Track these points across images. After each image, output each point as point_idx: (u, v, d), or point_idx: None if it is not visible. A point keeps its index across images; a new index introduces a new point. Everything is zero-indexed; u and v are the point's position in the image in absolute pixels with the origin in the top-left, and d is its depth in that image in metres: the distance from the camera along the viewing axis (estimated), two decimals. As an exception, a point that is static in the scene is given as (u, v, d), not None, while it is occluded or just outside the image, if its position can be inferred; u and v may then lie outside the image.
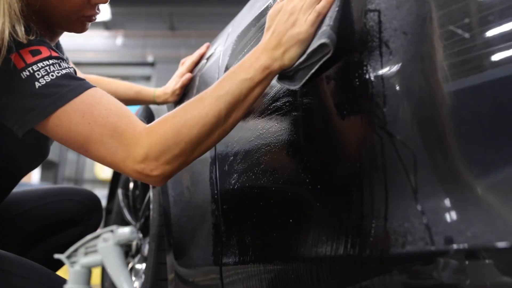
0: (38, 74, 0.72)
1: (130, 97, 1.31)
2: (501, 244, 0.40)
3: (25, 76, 0.72)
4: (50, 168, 11.00)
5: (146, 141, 0.69)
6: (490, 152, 0.43)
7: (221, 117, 0.70)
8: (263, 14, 0.90)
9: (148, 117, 1.46)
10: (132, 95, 1.30)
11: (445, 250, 0.44)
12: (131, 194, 1.58)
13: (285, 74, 0.71)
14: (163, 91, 1.28)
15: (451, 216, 0.45)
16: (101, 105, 0.73)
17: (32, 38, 0.75)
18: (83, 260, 0.55)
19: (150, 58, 9.28)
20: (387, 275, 0.51)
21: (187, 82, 1.26)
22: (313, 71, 0.66)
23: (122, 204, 1.59)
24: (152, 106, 1.45)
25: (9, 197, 1.10)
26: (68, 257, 0.57)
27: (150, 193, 1.28)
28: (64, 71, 0.75)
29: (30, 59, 0.73)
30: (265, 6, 0.90)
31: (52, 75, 0.73)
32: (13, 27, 0.72)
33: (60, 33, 0.92)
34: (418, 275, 0.48)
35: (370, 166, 0.55)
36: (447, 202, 0.46)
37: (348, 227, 0.57)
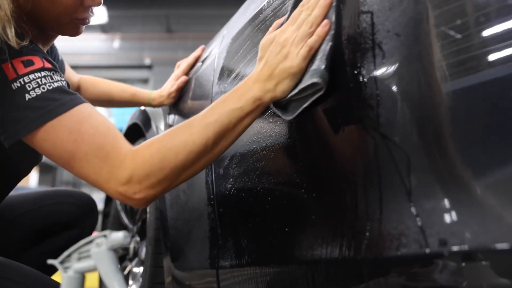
0: (29, 86, 0.71)
1: (126, 99, 1.30)
2: (497, 246, 0.40)
3: (16, 87, 0.71)
4: (48, 172, 10.96)
5: (130, 164, 0.69)
6: (485, 153, 0.43)
7: (208, 146, 0.69)
8: (257, 16, 0.89)
9: (145, 120, 1.45)
10: (127, 97, 1.30)
11: (440, 252, 0.44)
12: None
13: (278, 103, 0.71)
14: (159, 94, 1.27)
15: (445, 218, 0.45)
16: (89, 123, 0.72)
17: (25, 43, 0.74)
18: (76, 265, 0.55)
19: (147, 61, 9.27)
20: (382, 278, 0.51)
21: (182, 85, 1.26)
22: (305, 105, 0.65)
23: (119, 207, 1.58)
24: (148, 109, 1.45)
25: (3, 200, 1.09)
26: (62, 262, 0.56)
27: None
28: (56, 84, 0.74)
29: (22, 70, 0.72)
30: (259, 8, 0.90)
31: (43, 88, 0.72)
32: (3, 29, 0.71)
33: (53, 37, 0.91)
34: (413, 277, 0.48)
35: (365, 168, 0.55)
36: (442, 203, 0.46)
37: (343, 230, 0.57)
